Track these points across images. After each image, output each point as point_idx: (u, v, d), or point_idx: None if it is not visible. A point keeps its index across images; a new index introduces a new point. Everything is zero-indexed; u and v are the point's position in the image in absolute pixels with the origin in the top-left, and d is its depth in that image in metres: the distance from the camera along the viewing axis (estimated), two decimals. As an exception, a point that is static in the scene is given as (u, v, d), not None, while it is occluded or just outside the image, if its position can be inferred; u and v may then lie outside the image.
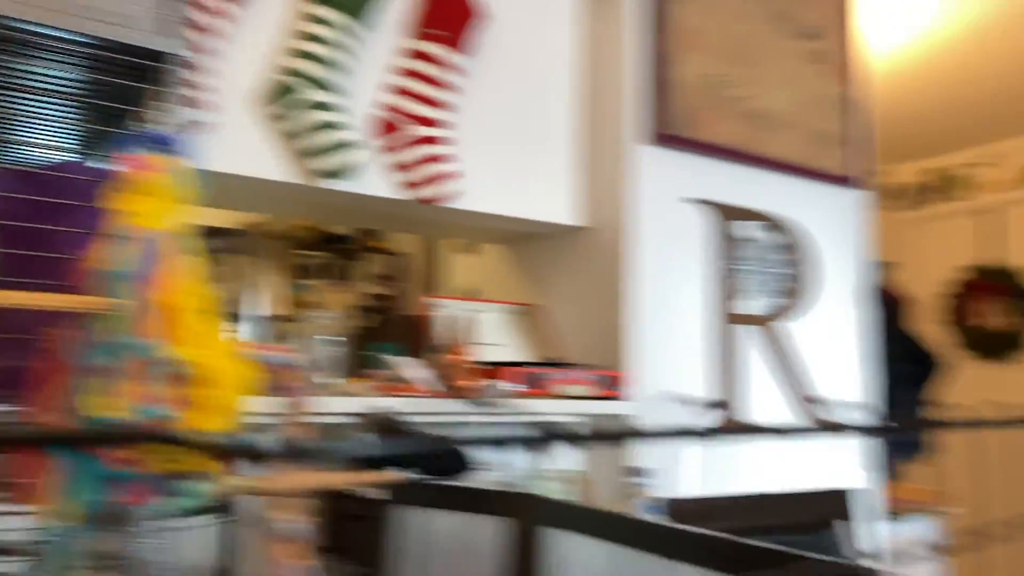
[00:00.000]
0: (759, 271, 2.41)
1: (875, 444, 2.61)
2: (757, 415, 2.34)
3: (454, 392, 1.87)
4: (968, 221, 4.76)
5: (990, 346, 4.54)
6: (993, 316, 4.56)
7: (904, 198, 5.05)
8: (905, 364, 2.65)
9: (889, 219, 5.12)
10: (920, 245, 4.99)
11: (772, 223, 2.45)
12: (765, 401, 2.38)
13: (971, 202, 4.71)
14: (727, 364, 2.30)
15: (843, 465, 2.54)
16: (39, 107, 1.40)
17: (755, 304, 2.39)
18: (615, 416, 2.13)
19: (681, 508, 2.13)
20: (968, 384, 4.67)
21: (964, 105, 4.15)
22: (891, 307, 2.66)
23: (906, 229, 5.06)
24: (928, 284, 4.91)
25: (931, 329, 4.88)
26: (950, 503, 2.87)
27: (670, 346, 2.23)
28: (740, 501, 2.28)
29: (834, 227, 2.63)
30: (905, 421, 2.64)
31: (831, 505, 2.50)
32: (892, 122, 4.40)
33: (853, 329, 2.61)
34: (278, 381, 1.28)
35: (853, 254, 2.66)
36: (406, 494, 1.40)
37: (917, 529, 2.78)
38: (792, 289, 2.46)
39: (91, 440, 0.82)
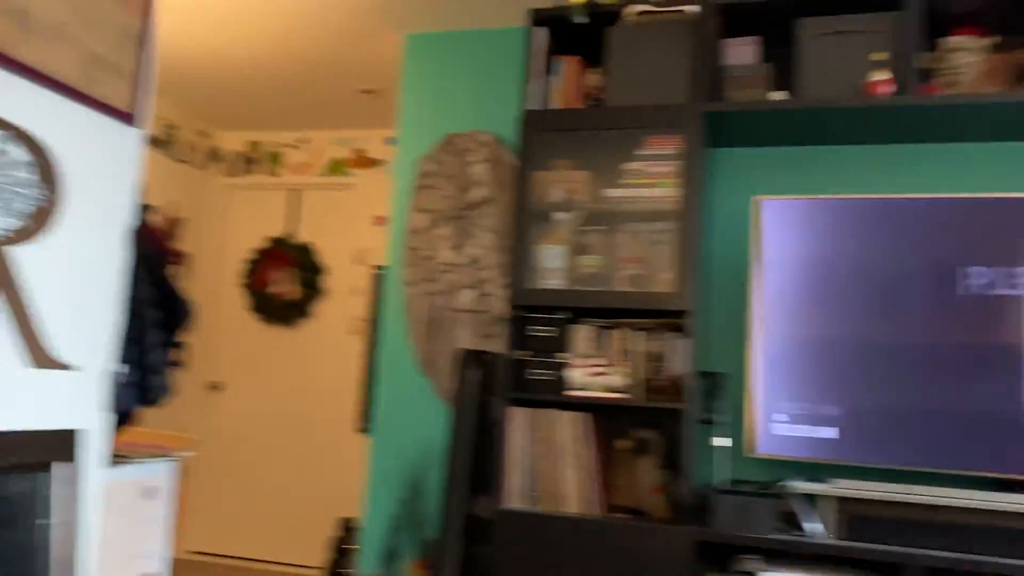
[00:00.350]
0: (-5, 187, 2.15)
1: (110, 385, 2.58)
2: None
3: None
4: (277, 195, 5.19)
5: (279, 311, 5.00)
6: (284, 284, 5.05)
7: (225, 164, 5.25)
8: (156, 309, 2.69)
9: (212, 182, 5.25)
10: (237, 211, 5.25)
11: (19, 135, 2.22)
12: (-24, 330, 2.13)
13: (281, 178, 5.15)
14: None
15: (70, 405, 2.44)
16: None
17: (-18, 222, 2.13)
18: None
19: None
20: (262, 345, 5.07)
21: (283, 91, 4.51)
22: (150, 251, 2.68)
23: (224, 193, 5.26)
24: (238, 248, 5.19)
25: (234, 291, 5.16)
26: (184, 447, 3.02)
27: None
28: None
29: (100, 160, 2.52)
30: (149, 365, 2.68)
31: (52, 446, 2.37)
32: (223, 91, 4.53)
33: (104, 267, 2.54)
34: None
35: (118, 191, 2.59)
36: None
37: (147, 472, 2.85)
38: (33, 213, 2.27)
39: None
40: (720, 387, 2.73)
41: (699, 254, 2.78)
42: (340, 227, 5.04)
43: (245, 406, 5.04)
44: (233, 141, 5.30)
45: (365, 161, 5.03)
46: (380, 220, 4.94)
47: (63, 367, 2.41)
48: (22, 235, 2.28)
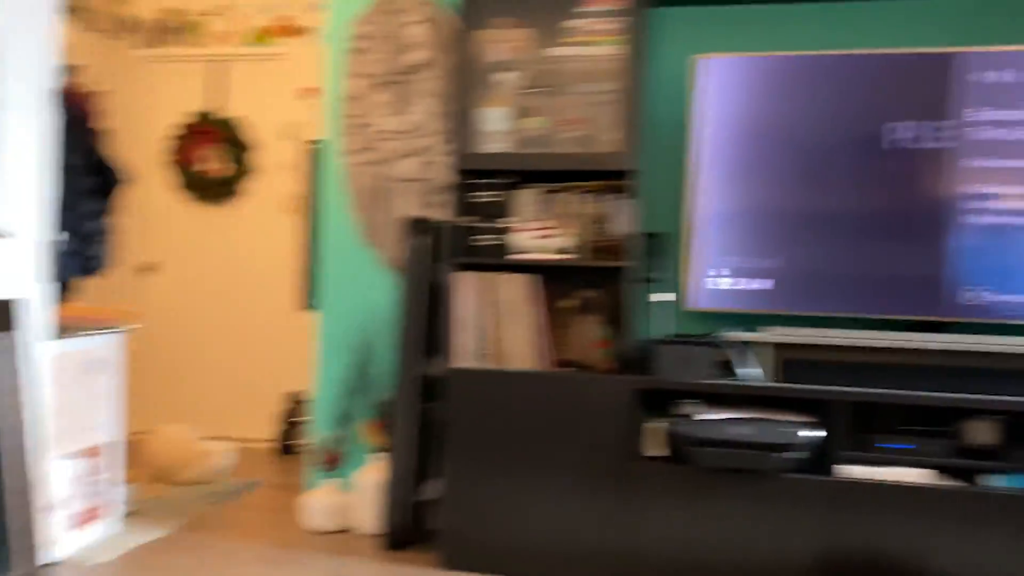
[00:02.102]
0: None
1: (47, 256, 2.51)
2: None
3: None
4: (199, 68, 4.94)
5: (209, 189, 4.86)
6: (212, 161, 4.88)
7: (140, 33, 4.94)
8: (88, 177, 2.59)
9: (126, 54, 4.95)
10: (154, 84, 4.99)
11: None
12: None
13: (203, 49, 4.89)
14: None
15: (5, 274, 2.37)
16: None
17: None
18: None
19: None
20: (193, 224, 4.95)
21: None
22: (76, 115, 2.56)
23: (141, 66, 4.98)
24: (160, 124, 4.96)
25: (161, 170, 4.97)
26: (128, 320, 2.99)
27: None
28: None
29: (16, 18, 2.35)
30: (86, 233, 2.61)
31: (-9, 321, 2.31)
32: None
33: (31, 131, 2.42)
34: None
35: (37, 51, 2.44)
36: None
37: (94, 344, 2.82)
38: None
39: None
40: (661, 246, 2.82)
41: (641, 115, 2.80)
42: (268, 101, 4.86)
43: (181, 287, 4.96)
44: (147, 8, 4.97)
45: (291, 30, 4.80)
46: (309, 92, 4.77)
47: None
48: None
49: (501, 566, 2.70)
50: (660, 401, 2.84)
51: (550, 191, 2.91)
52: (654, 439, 2.67)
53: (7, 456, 2.29)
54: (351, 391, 3.28)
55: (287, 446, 4.58)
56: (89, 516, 2.85)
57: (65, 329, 2.71)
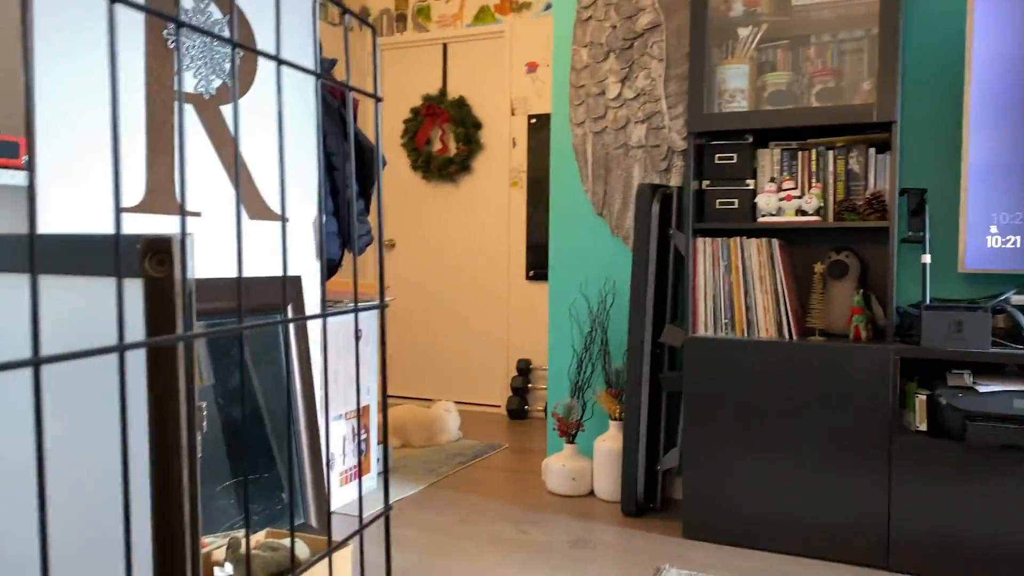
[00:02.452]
0: (200, 47, 2.25)
1: (317, 235, 2.75)
2: (195, 198, 2.25)
3: None
4: (428, 51, 5.17)
5: (441, 169, 5.10)
6: (443, 142, 5.11)
7: (376, 23, 5.25)
8: (351, 162, 2.80)
9: (364, 44, 5.29)
10: (391, 71, 5.29)
11: (213, -2, 2.29)
12: (204, 183, 2.30)
13: (430, 33, 5.11)
14: (162, 143, 2.14)
15: (289, 254, 2.63)
16: None
17: (195, 82, 2.25)
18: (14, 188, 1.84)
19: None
20: (426, 202, 5.23)
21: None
22: (335, 106, 2.76)
23: (378, 54, 5.30)
24: (395, 110, 5.27)
25: (397, 152, 5.29)
26: (386, 293, 3.21)
27: (88, 116, 1.98)
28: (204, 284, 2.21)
29: (283, 15, 2.58)
30: (350, 215, 2.83)
31: (282, 290, 2.57)
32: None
33: (300, 121, 2.65)
34: None
35: (303, 46, 2.65)
36: None
37: (350, 316, 3.06)
38: (234, 70, 2.38)
39: None
40: (924, 203, 2.57)
41: (901, 61, 2.56)
42: (493, 78, 4.99)
43: (415, 262, 5.26)
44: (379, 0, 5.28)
45: (514, 5, 4.89)
46: (533, 66, 4.85)
47: (278, 218, 2.58)
48: (228, 94, 2.39)
49: (744, 538, 2.62)
50: (926, 372, 2.61)
51: (795, 149, 2.75)
52: (912, 412, 2.46)
53: (302, 416, 2.55)
54: (584, 360, 3.32)
55: (519, 411, 4.74)
56: (354, 473, 3.12)
57: (332, 302, 2.96)
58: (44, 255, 0.80)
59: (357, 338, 0.79)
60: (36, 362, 0.35)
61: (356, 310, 0.75)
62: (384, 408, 0.84)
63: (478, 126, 5.02)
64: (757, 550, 2.62)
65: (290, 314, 2.57)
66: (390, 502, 3.06)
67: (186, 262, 0.50)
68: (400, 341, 5.32)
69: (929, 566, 2.39)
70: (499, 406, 5.01)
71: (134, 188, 2.07)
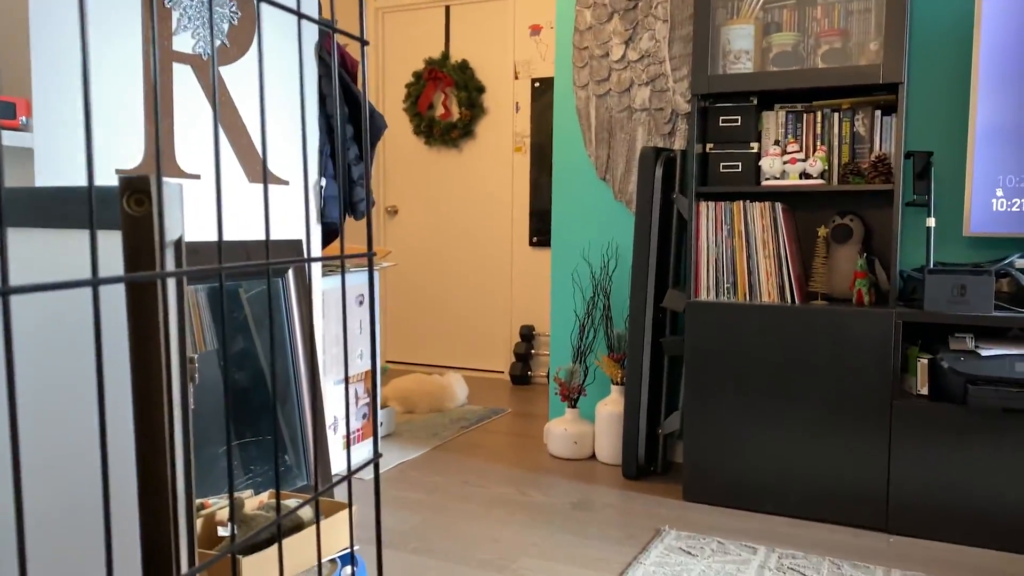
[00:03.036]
0: (198, 7, 2.23)
1: (316, 198, 2.74)
2: (189, 159, 2.23)
3: None
4: (431, 15, 5.11)
5: (444, 133, 5.06)
6: (445, 106, 5.07)
7: (376, -15, 5.18)
8: (349, 125, 2.78)
9: (367, 6, 5.23)
10: (391, 35, 5.24)
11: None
12: (204, 146, 2.29)
13: (433, -4, 5.05)
14: (161, 104, 2.12)
15: (286, 217, 2.62)
16: None
17: (193, 43, 2.22)
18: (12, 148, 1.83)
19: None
20: (429, 167, 5.20)
21: None
22: (340, 68, 2.73)
23: (378, 17, 5.24)
24: (397, 73, 5.23)
25: (399, 117, 5.25)
26: (384, 258, 3.21)
27: (99, 80, 1.96)
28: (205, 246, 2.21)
29: (282, -24, 2.54)
30: (350, 179, 2.81)
31: (286, 253, 2.57)
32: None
33: (294, 84, 2.62)
34: None
35: (302, 7, 2.62)
36: None
37: (357, 280, 3.06)
38: (233, 33, 2.35)
39: None
40: (930, 166, 2.55)
41: (908, 21, 2.52)
42: (496, 41, 4.94)
43: (418, 229, 5.25)
44: (380, -39, 5.20)
45: (516, -33, 4.81)
46: (536, 29, 4.79)
47: (277, 181, 2.57)
48: (228, 55, 2.37)
49: (744, 501, 2.64)
50: (928, 336, 2.61)
51: (800, 111, 2.72)
52: (914, 376, 2.46)
53: (303, 380, 2.56)
54: (586, 325, 3.32)
55: (522, 376, 4.76)
56: (357, 436, 3.14)
57: (331, 266, 2.96)
58: (29, 209, 0.80)
59: (343, 293, 0.79)
60: (5, 292, 0.35)
61: (343, 257, 0.74)
62: (373, 357, 0.84)
63: (481, 90, 4.97)
64: (757, 512, 2.64)
65: (291, 278, 2.57)
66: (393, 463, 3.09)
67: (163, 199, 0.49)
68: (403, 308, 5.33)
69: (928, 528, 2.41)
70: (502, 372, 5.03)
71: (133, 149, 2.06)
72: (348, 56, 2.86)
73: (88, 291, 0.75)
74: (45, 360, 0.81)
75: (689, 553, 2.28)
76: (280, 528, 0.68)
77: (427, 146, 5.18)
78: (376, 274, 3.19)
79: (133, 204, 0.48)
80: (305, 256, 2.51)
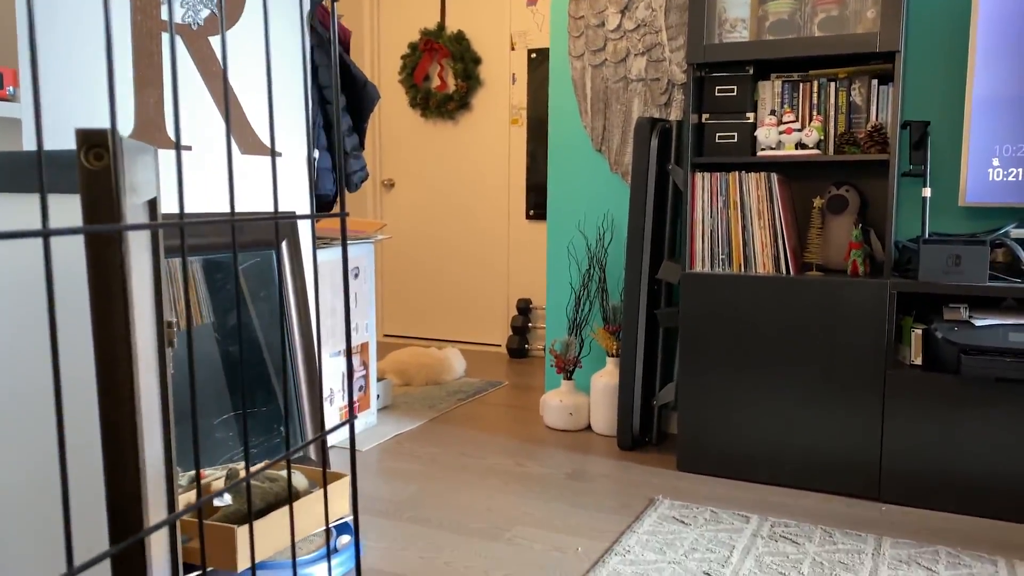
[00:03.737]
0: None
1: (310, 172, 2.72)
2: (184, 132, 2.22)
3: None
4: (425, -15, 5.05)
5: (440, 105, 5.03)
6: (442, 78, 5.03)
7: (371, -45, 5.12)
8: (342, 95, 2.75)
9: (358, -23, 5.17)
10: (385, 5, 5.18)
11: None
12: (194, 117, 2.27)
13: (428, -34, 4.98)
14: (149, 74, 2.10)
15: (282, 190, 2.60)
16: None
17: (182, 12, 2.20)
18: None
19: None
20: (425, 140, 5.17)
21: None
22: (328, 36, 2.70)
23: (373, -12, 5.19)
24: (392, 45, 5.18)
25: (395, 89, 5.21)
26: (378, 231, 3.20)
27: (79, 46, 1.94)
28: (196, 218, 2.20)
29: (272, -56, 2.51)
30: (343, 150, 2.80)
31: (280, 226, 2.56)
32: None
33: (290, 54, 2.60)
34: None
35: (292, -23, 2.59)
36: None
37: (353, 252, 3.06)
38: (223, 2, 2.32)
39: None
40: (926, 136, 2.53)
41: (906, -13, 2.49)
42: (492, 11, 4.88)
43: (414, 202, 5.23)
44: (375, -69, 5.13)
45: (512, -64, 4.75)
46: (532, 0, 4.73)
47: (269, 152, 2.55)
48: (217, 25, 2.34)
49: (738, 471, 2.66)
50: (915, 306, 2.61)
51: (796, 81, 2.69)
52: (908, 346, 2.46)
53: (299, 352, 2.57)
54: (582, 298, 3.32)
55: (519, 350, 4.77)
56: (354, 408, 3.15)
57: (324, 239, 2.95)
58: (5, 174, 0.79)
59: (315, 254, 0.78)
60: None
61: (312, 216, 0.74)
62: (347, 318, 0.83)
63: (477, 61, 4.93)
64: (750, 482, 2.65)
65: (284, 250, 2.56)
66: (390, 435, 3.10)
67: (119, 152, 0.49)
68: (400, 281, 5.32)
69: (921, 497, 2.42)
70: (500, 345, 5.04)
71: (123, 120, 2.04)
72: (340, 27, 2.83)
73: (67, 252, 0.74)
74: (20, 320, 0.81)
75: (682, 522, 2.30)
76: (250, 488, 0.68)
77: (423, 118, 5.15)
78: (371, 247, 3.18)
79: (92, 159, 0.47)
80: (288, 234, 2.49)
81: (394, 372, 4.00)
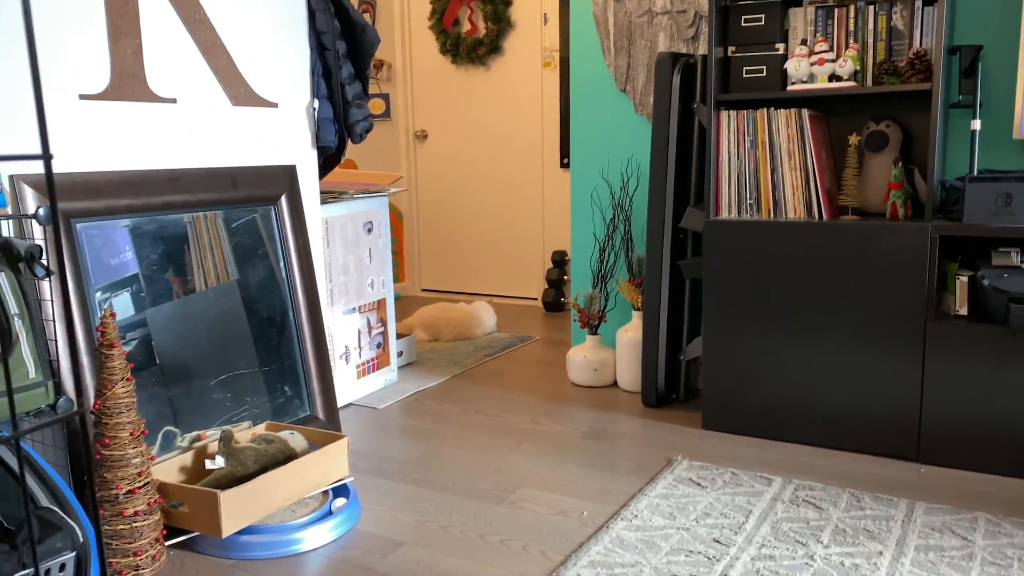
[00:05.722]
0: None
1: (311, 123, 2.61)
2: (161, 82, 2.13)
3: None
4: (452, -76, 4.84)
5: (471, 50, 4.85)
6: (471, 21, 4.85)
7: None
8: (341, 41, 2.62)
9: (384, -81, 4.98)
10: (413, -50, 5.00)
11: None
12: (177, 66, 2.18)
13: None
14: (127, 23, 2.01)
15: (277, 142, 2.51)
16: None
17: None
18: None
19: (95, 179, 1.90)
20: (457, 87, 5.02)
21: None
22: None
23: (399, -69, 5.00)
24: (420, -9, 5.01)
25: (424, 36, 5.05)
26: (393, 183, 3.09)
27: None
28: (187, 173, 2.13)
29: None
30: (345, 99, 2.67)
31: (277, 180, 2.48)
32: None
33: (289, 5, 2.48)
34: None
35: (284, -84, 2.45)
36: None
37: (363, 207, 2.96)
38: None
39: None
40: (977, 62, 2.28)
41: None
42: (521, -50, 4.66)
43: (448, 152, 5.10)
44: None
45: None
46: (562, -66, 4.49)
47: (265, 104, 2.45)
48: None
49: (766, 429, 2.50)
50: (961, 251, 2.38)
51: (831, 6, 2.45)
52: (952, 295, 2.25)
53: (302, 309, 2.50)
54: (606, 248, 3.16)
55: (555, 303, 4.65)
56: (372, 366, 3.08)
57: (333, 193, 2.85)
58: None
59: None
60: None
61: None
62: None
63: (508, 2, 4.72)
64: (778, 441, 2.50)
65: (284, 206, 2.48)
66: (409, 392, 3.02)
67: None
68: (434, 234, 5.23)
69: (963, 458, 2.24)
70: (536, 299, 4.92)
71: (98, 73, 1.96)
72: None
73: None
74: None
75: (699, 484, 2.17)
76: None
77: (454, 65, 4.98)
78: (386, 200, 3.08)
79: None
80: (288, 188, 2.36)
81: (422, 327, 3.93)
